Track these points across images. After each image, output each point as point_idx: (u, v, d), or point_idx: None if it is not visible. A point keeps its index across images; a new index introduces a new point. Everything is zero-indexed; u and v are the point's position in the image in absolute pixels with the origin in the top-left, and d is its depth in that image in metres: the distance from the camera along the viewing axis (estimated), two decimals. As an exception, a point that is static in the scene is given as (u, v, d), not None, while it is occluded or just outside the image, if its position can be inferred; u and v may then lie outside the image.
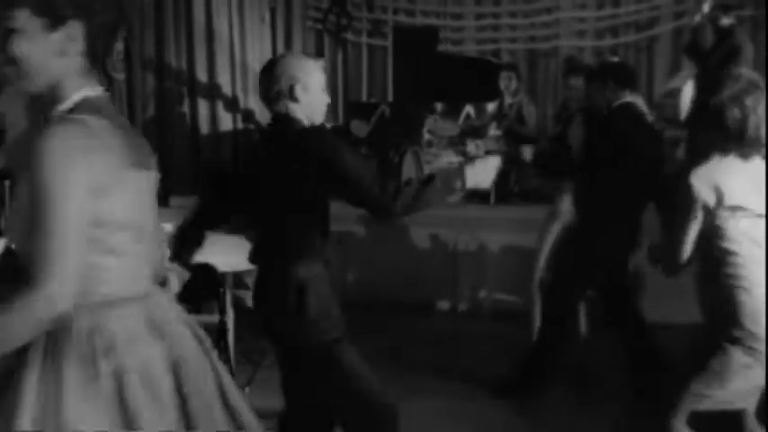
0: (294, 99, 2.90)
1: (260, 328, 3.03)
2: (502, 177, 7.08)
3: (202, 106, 8.74)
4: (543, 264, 4.79)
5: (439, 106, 7.98)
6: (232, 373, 3.94)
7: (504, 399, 4.44)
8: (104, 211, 1.68)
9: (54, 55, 1.67)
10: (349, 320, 2.99)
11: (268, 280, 2.96)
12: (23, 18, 1.62)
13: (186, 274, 2.93)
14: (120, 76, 7.92)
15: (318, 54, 9.51)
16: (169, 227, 4.49)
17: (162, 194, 8.04)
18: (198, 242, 3.20)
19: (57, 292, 1.56)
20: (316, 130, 2.92)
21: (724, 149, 2.68)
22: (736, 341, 2.61)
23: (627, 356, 4.48)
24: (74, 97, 1.70)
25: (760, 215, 2.63)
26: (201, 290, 3.14)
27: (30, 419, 1.57)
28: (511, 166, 7.12)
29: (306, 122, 2.92)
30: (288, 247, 2.88)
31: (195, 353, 1.87)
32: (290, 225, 2.88)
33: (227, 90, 8.86)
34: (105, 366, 1.65)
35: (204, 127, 8.77)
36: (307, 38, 9.56)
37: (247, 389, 4.27)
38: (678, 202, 2.68)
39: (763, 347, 2.60)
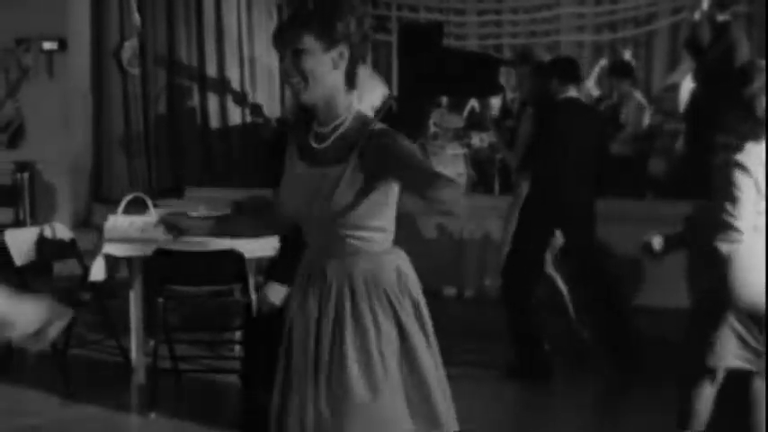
0: None
1: None
2: (505, 169, 7.29)
3: (212, 100, 8.94)
4: (508, 244, 5.00)
5: (444, 100, 8.18)
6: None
7: (510, 378, 4.67)
8: None
9: (329, 69, 2.10)
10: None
11: None
12: (309, 41, 2.07)
13: None
14: (135, 71, 8.12)
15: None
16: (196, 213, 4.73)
17: (176, 186, 8.30)
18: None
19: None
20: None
21: (757, 135, 2.91)
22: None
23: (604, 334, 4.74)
24: (352, 110, 2.18)
25: None
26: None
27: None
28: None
29: None
30: None
31: None
32: None
33: (236, 85, 9.07)
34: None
35: (214, 120, 8.97)
36: (312, 33, 9.75)
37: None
38: (719, 185, 2.92)
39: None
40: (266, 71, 9.31)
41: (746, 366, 3.01)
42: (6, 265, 4.29)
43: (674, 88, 7.34)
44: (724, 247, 2.90)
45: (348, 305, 2.20)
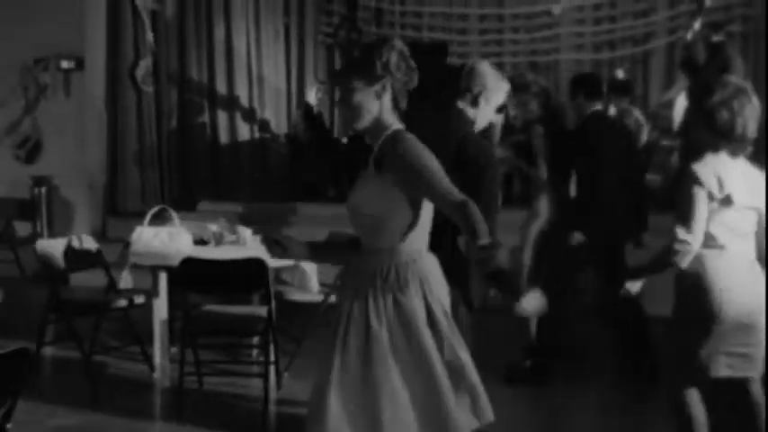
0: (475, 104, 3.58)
1: None
2: (507, 183, 7.53)
3: (222, 117, 9.23)
4: (529, 260, 5.23)
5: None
6: (276, 360, 4.41)
7: (515, 383, 4.88)
8: None
9: (373, 99, 2.50)
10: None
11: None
12: (355, 81, 2.52)
13: None
14: (148, 89, 8.37)
15: (329, 67, 9.99)
16: (214, 227, 4.96)
17: (189, 199, 8.54)
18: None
19: None
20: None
21: (716, 147, 3.04)
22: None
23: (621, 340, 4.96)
24: (393, 127, 2.53)
25: (748, 208, 3.02)
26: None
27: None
28: (515, 173, 7.54)
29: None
30: None
31: None
32: None
33: (244, 102, 9.37)
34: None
35: (223, 136, 9.25)
36: (318, 52, 10.03)
37: (286, 374, 4.68)
38: (679, 195, 3.01)
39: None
40: (273, 89, 9.60)
41: (736, 374, 3.02)
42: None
43: (670, 105, 7.55)
44: (680, 260, 2.96)
45: (365, 301, 2.46)
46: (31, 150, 7.81)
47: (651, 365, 4.78)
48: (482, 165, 3.33)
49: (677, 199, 3.03)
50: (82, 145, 7.76)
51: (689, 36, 6.74)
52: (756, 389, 3.11)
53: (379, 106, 2.52)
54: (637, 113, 7.75)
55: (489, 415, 2.53)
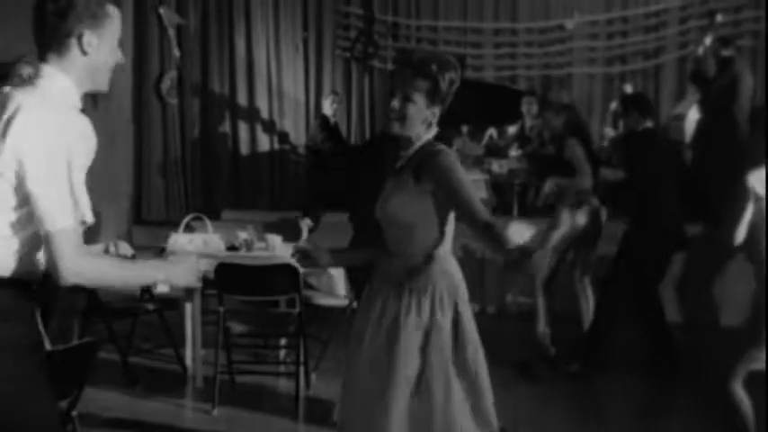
0: None
1: None
2: (523, 194, 7.74)
3: (242, 128, 9.47)
4: (546, 267, 5.46)
5: (465, 128, 8.62)
6: (306, 361, 4.61)
7: (529, 383, 5.09)
8: None
9: (423, 120, 2.62)
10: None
11: None
12: (418, 96, 2.59)
13: None
14: (173, 100, 8.62)
15: (346, 80, 10.21)
16: (244, 234, 5.16)
17: (211, 208, 8.74)
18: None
19: None
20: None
21: None
22: None
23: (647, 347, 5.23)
24: (424, 138, 2.65)
25: None
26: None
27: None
28: (532, 182, 7.74)
29: None
30: None
31: None
32: None
33: (264, 114, 9.61)
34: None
35: (244, 147, 9.48)
36: (336, 65, 10.24)
37: (313, 375, 4.87)
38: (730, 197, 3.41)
39: None
40: (292, 101, 9.82)
41: None
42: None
43: (681, 118, 7.71)
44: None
45: (400, 304, 2.58)
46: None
47: (671, 363, 5.08)
48: None
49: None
50: (109, 155, 7.98)
51: (700, 51, 6.90)
52: None
53: (423, 126, 2.62)
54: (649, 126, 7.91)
55: (494, 424, 2.63)
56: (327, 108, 9.24)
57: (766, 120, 5.94)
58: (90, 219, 2.07)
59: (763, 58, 7.91)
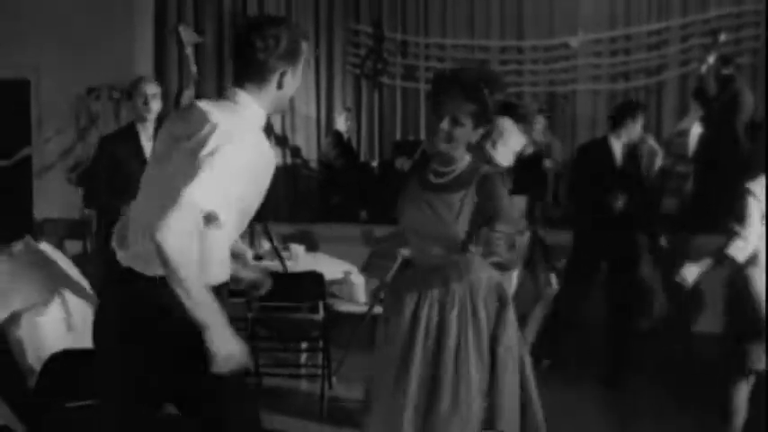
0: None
1: None
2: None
3: (257, 143, 9.65)
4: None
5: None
6: (328, 365, 4.83)
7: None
8: None
9: (468, 140, 2.74)
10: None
11: None
12: (466, 119, 2.69)
13: None
14: (192, 117, 8.83)
15: (356, 96, 10.45)
16: (268, 244, 5.38)
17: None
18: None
19: None
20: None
21: None
22: None
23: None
24: (466, 158, 2.81)
25: None
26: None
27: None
28: (539, 196, 7.94)
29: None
30: None
31: None
32: None
33: (277, 128, 9.83)
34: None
35: (258, 162, 9.67)
36: (346, 81, 10.49)
37: (334, 378, 5.08)
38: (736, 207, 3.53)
39: None
40: (304, 117, 10.06)
41: None
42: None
43: (684, 133, 7.91)
44: (737, 253, 3.53)
45: (462, 312, 2.74)
46: (81, 174, 8.27)
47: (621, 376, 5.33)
48: None
49: (734, 209, 3.55)
50: (130, 170, 8.22)
51: (703, 69, 7.13)
52: None
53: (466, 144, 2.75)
54: (651, 141, 8.14)
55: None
56: (341, 124, 9.48)
57: (766, 134, 6.16)
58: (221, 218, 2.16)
59: (763, 74, 8.15)
